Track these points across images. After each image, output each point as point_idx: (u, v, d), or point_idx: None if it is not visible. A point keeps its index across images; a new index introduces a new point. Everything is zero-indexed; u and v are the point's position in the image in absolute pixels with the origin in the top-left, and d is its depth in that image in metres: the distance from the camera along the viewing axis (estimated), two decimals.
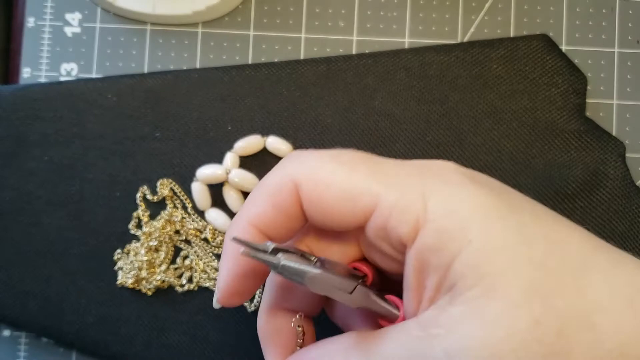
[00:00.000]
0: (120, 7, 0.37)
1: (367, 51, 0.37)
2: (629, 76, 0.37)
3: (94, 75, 0.37)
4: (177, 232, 0.35)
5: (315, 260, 0.23)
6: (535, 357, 0.18)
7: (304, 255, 0.23)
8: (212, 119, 0.36)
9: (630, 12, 0.37)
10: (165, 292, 0.35)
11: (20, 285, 0.35)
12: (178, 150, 0.35)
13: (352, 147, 0.34)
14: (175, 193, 0.35)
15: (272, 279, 0.26)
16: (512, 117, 0.35)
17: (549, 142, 0.35)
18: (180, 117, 0.36)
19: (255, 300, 0.35)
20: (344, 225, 0.23)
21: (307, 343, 0.25)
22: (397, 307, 0.23)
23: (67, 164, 0.35)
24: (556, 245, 0.20)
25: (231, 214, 0.35)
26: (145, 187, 0.35)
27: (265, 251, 0.22)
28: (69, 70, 0.38)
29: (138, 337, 0.34)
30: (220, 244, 0.35)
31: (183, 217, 0.35)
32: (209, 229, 0.35)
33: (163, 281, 0.35)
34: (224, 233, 0.35)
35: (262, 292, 0.33)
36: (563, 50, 0.36)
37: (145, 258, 0.35)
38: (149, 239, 0.35)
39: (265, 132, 0.35)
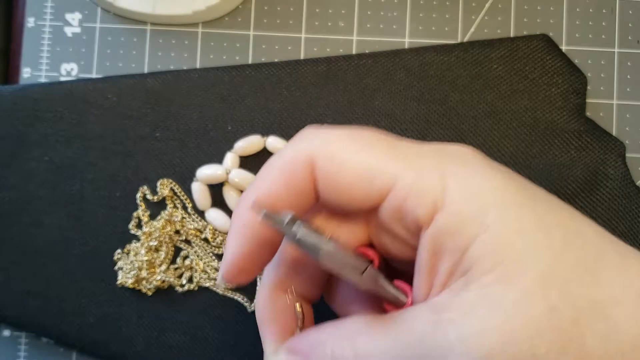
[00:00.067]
0: (120, 7, 0.37)
1: (367, 51, 0.37)
2: (629, 76, 0.37)
3: (94, 75, 0.37)
4: (177, 232, 0.35)
5: (328, 237, 0.23)
6: (550, 345, 0.18)
7: (317, 231, 0.23)
8: (212, 119, 0.36)
9: (630, 12, 0.37)
10: (165, 292, 0.35)
11: (20, 285, 0.35)
12: (178, 150, 0.35)
13: None
14: (175, 193, 0.35)
15: (278, 258, 0.25)
16: (512, 117, 0.35)
17: (549, 142, 0.35)
18: (180, 117, 0.36)
19: (255, 300, 0.35)
20: (358, 205, 0.22)
21: (306, 327, 0.25)
22: (406, 293, 0.23)
23: (67, 164, 0.35)
24: (573, 235, 0.20)
25: (231, 214, 0.35)
26: (145, 187, 0.35)
27: (282, 221, 0.22)
28: (69, 70, 0.38)
29: (138, 337, 0.34)
30: (221, 243, 0.35)
31: (183, 217, 0.35)
32: (209, 229, 0.35)
33: (163, 281, 0.35)
34: (224, 233, 0.35)
35: None
36: (563, 50, 0.36)
37: (146, 258, 0.35)
38: (149, 239, 0.35)
39: (265, 132, 0.35)
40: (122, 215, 0.35)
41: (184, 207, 0.35)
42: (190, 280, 0.35)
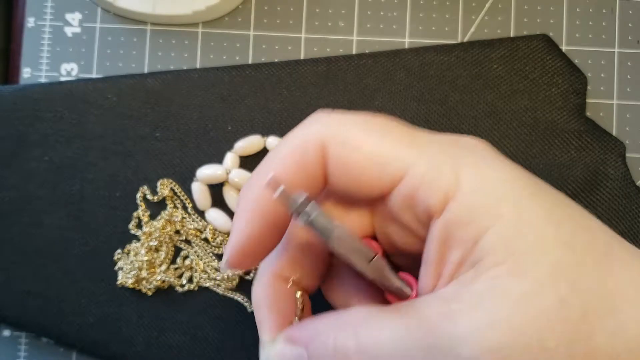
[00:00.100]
0: (120, 7, 0.37)
1: (367, 51, 0.37)
2: (629, 76, 0.37)
3: (94, 75, 0.37)
4: (177, 232, 0.35)
5: (337, 223, 0.22)
6: (560, 338, 0.18)
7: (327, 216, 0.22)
8: (212, 119, 0.36)
9: (630, 12, 0.37)
10: (165, 292, 0.35)
11: (20, 285, 0.35)
12: (178, 150, 0.35)
13: None
14: (175, 193, 0.35)
15: (282, 244, 0.25)
16: (512, 117, 0.35)
17: (549, 142, 0.35)
18: (180, 117, 0.36)
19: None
20: (368, 192, 0.22)
21: (304, 317, 0.24)
22: (410, 286, 0.23)
23: (67, 164, 0.35)
24: (582, 230, 0.20)
25: (231, 214, 0.35)
26: (145, 187, 0.35)
27: (296, 201, 0.21)
28: (69, 70, 0.38)
29: (138, 337, 0.34)
30: (220, 243, 0.35)
31: (183, 217, 0.35)
32: (209, 229, 0.35)
33: (163, 281, 0.35)
34: (224, 233, 0.35)
35: None
36: (563, 50, 0.36)
37: (146, 258, 0.35)
38: (149, 239, 0.35)
39: (265, 132, 0.35)
40: (122, 215, 0.35)
41: (184, 207, 0.35)
42: (190, 280, 0.35)
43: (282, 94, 0.36)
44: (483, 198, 0.20)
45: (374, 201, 0.23)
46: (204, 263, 0.35)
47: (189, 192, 0.35)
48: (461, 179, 0.21)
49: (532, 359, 0.18)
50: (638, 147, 0.37)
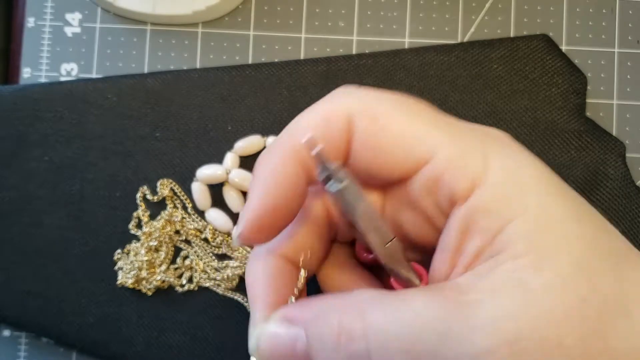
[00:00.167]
0: (120, 7, 0.37)
1: (367, 51, 0.37)
2: (629, 76, 0.37)
3: (94, 75, 0.37)
4: (177, 232, 0.35)
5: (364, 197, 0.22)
6: (577, 335, 0.18)
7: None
8: (212, 119, 0.36)
9: (630, 12, 0.37)
10: (165, 292, 0.35)
11: (20, 285, 0.35)
12: (178, 150, 0.35)
13: None
14: (175, 193, 0.35)
15: (293, 222, 0.24)
16: (512, 117, 0.35)
17: (549, 142, 0.35)
18: (180, 117, 0.36)
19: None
20: (390, 172, 0.22)
21: (300, 299, 0.24)
22: (421, 277, 0.22)
23: (67, 164, 0.35)
24: (602, 230, 0.20)
25: (231, 214, 0.35)
26: (145, 187, 0.35)
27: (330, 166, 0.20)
28: (69, 70, 0.38)
29: (138, 337, 0.34)
30: (220, 244, 0.35)
31: (183, 217, 0.35)
32: (209, 229, 0.35)
33: (163, 281, 0.35)
34: (224, 233, 0.35)
35: None
36: (563, 50, 0.36)
37: (146, 258, 0.35)
38: (149, 239, 0.35)
39: (265, 132, 0.35)
40: (122, 215, 0.35)
41: (184, 207, 0.35)
42: (190, 280, 0.35)
43: (282, 94, 0.36)
44: (510, 189, 0.20)
45: (389, 184, 0.22)
46: (204, 263, 0.35)
47: (189, 192, 0.35)
48: (490, 167, 0.20)
49: (547, 354, 0.18)
50: (638, 147, 0.37)
